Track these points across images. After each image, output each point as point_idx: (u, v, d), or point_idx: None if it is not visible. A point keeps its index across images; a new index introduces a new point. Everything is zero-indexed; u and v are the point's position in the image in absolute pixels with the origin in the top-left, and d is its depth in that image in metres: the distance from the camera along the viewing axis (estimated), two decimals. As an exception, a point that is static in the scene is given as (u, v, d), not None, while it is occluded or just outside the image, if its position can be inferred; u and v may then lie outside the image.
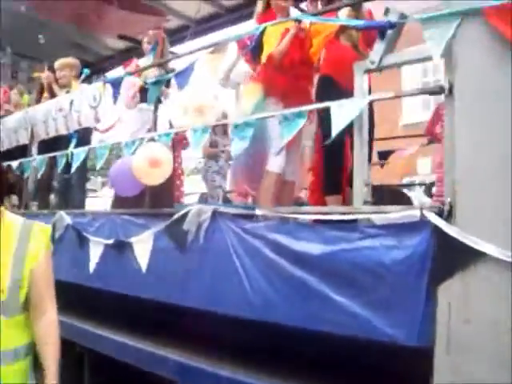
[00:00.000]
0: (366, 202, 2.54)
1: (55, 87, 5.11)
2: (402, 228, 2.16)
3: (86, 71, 4.82)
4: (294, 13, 3.96)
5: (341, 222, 2.46)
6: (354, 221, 2.44)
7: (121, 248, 3.72)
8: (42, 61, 8.92)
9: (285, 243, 2.69)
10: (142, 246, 3.53)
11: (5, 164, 5.53)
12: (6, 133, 5.65)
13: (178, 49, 7.53)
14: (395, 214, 2.19)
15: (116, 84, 4.10)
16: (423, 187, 8.37)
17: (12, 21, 7.68)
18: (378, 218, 2.31)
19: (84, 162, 4.47)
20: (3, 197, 2.27)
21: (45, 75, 5.31)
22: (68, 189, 5.06)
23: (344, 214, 2.49)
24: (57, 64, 5.24)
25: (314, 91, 3.42)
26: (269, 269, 2.76)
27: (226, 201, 5.58)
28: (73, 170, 4.34)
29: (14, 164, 5.35)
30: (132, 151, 3.79)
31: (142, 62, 4.68)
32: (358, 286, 2.25)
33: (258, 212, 2.91)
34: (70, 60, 5.24)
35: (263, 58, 3.10)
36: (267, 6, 3.48)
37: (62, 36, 8.30)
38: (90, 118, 4.39)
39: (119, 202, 4.50)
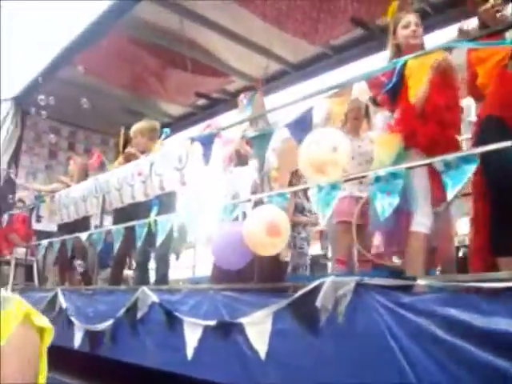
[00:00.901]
0: None
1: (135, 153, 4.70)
2: None
3: (167, 131, 4.44)
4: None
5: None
6: None
7: (226, 330, 3.16)
8: (97, 131, 8.84)
9: (466, 320, 2.10)
10: (258, 329, 2.96)
11: (72, 236, 5.11)
12: (72, 202, 5.26)
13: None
14: None
15: (207, 142, 3.68)
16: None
17: (66, 91, 7.54)
18: None
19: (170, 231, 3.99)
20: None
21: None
22: (148, 262, 4.59)
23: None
24: (131, 132, 4.89)
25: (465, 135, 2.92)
26: (443, 353, 2.16)
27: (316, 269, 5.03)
28: (159, 240, 3.86)
29: (83, 236, 4.92)
30: (233, 216, 3.31)
31: (233, 117, 4.27)
32: None
33: (421, 282, 2.34)
34: (140, 125, 4.88)
35: (411, 98, 2.62)
36: (396, 50, 3.04)
37: (117, 103, 8.14)
38: (175, 182, 3.95)
39: (217, 275, 3.98)
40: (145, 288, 3.92)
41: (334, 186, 2.85)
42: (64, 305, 4.90)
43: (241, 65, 6.77)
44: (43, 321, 1.56)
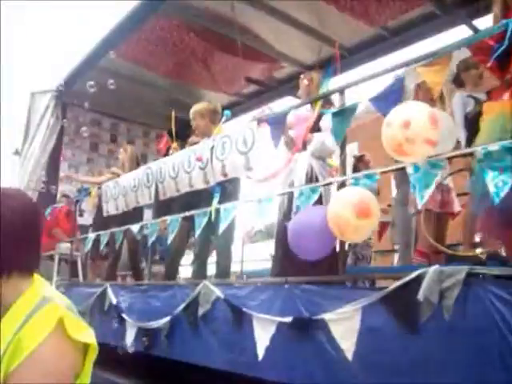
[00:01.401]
0: None
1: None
2: None
3: (228, 113, 4.11)
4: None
5: None
6: None
7: (305, 328, 2.83)
8: (139, 123, 8.59)
9: None
10: (344, 326, 2.62)
11: (122, 228, 4.85)
12: (121, 193, 4.99)
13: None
14: None
15: (277, 122, 3.35)
16: None
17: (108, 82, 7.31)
18: None
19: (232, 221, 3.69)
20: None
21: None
22: (208, 255, 4.29)
23: None
24: (190, 113, 4.58)
25: None
26: None
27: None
28: (220, 230, 3.55)
29: (135, 228, 4.65)
30: (311, 200, 2.98)
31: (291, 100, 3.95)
32: None
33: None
34: (200, 106, 4.58)
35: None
36: (505, 7, 2.66)
37: (160, 94, 7.89)
38: (239, 167, 3.63)
39: (286, 267, 3.65)
40: (207, 282, 3.62)
41: (434, 164, 2.50)
42: (114, 301, 4.64)
43: (291, 50, 6.44)
44: (84, 333, 1.27)
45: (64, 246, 6.81)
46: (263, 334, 3.11)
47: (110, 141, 8.39)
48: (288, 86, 6.77)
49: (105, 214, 5.31)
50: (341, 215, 2.56)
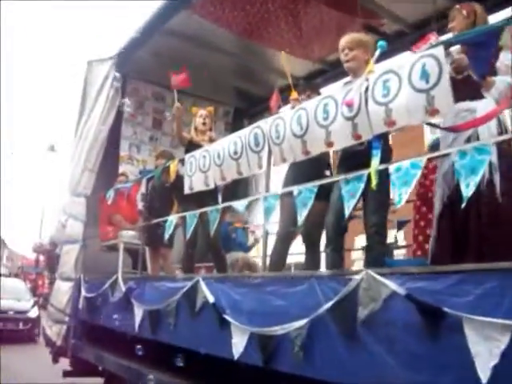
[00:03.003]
0: None
1: None
2: None
3: (382, 44, 3.03)
4: None
5: None
6: None
7: None
8: (205, 98, 7.60)
9: None
10: None
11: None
12: (213, 163, 3.97)
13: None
14: None
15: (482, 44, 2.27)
16: None
17: (171, 52, 6.38)
18: None
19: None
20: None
21: None
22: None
23: None
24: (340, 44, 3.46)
25: None
26: None
27: None
28: (402, 201, 2.50)
29: (240, 206, 3.62)
30: None
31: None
32: None
33: None
34: (355, 35, 3.47)
35: None
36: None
37: (228, 66, 6.93)
38: (418, 110, 2.57)
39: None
40: (371, 272, 2.55)
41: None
42: (211, 299, 3.61)
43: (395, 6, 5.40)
44: None
45: (128, 235, 5.85)
46: (484, 345, 2.03)
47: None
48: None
49: (187, 192, 4.30)
50: None
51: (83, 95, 6.80)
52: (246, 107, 8.03)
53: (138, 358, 4.97)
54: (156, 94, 7.31)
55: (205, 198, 4.40)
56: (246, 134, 3.66)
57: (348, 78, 3.59)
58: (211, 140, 4.93)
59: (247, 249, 6.30)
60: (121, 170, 6.82)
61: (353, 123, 2.86)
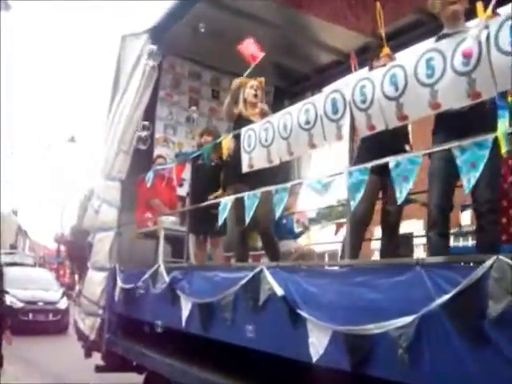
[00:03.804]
0: None
1: None
2: None
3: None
4: None
5: None
6: None
7: None
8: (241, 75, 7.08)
9: None
10: None
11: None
12: (278, 136, 3.48)
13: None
14: None
15: None
16: None
17: (210, 26, 5.90)
18: None
19: None
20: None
21: None
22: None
23: None
24: None
25: None
26: None
27: None
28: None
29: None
30: None
31: None
32: None
33: None
34: None
35: None
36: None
37: (271, 39, 6.38)
38: None
39: None
40: (503, 258, 2.04)
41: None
42: (279, 291, 3.13)
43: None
44: None
45: (169, 221, 5.39)
46: None
47: (211, 97, 6.92)
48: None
49: (245, 170, 3.83)
50: None
51: (116, 73, 6.35)
52: (287, 86, 7.50)
53: (184, 355, 4.54)
54: (192, 71, 6.82)
55: (261, 178, 3.89)
56: (320, 99, 3.15)
57: (431, 40, 3.09)
58: (263, 113, 4.45)
59: (296, 236, 5.81)
60: (156, 152, 6.36)
61: (469, 78, 2.34)
